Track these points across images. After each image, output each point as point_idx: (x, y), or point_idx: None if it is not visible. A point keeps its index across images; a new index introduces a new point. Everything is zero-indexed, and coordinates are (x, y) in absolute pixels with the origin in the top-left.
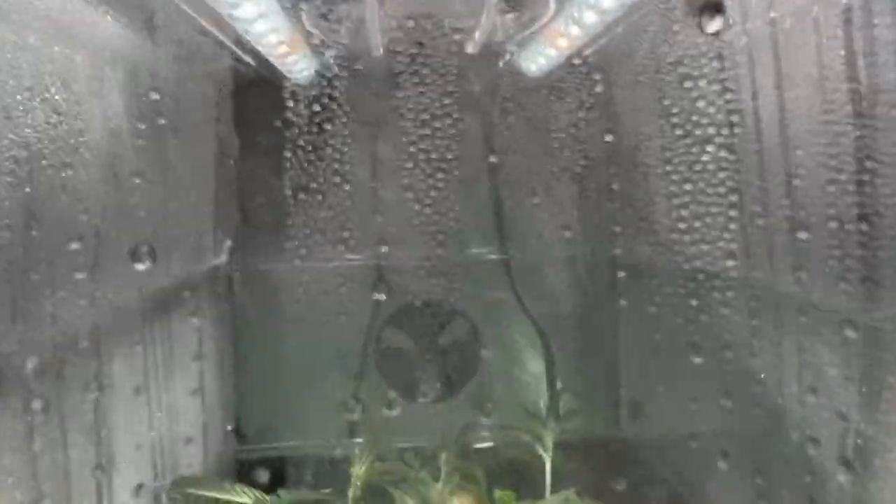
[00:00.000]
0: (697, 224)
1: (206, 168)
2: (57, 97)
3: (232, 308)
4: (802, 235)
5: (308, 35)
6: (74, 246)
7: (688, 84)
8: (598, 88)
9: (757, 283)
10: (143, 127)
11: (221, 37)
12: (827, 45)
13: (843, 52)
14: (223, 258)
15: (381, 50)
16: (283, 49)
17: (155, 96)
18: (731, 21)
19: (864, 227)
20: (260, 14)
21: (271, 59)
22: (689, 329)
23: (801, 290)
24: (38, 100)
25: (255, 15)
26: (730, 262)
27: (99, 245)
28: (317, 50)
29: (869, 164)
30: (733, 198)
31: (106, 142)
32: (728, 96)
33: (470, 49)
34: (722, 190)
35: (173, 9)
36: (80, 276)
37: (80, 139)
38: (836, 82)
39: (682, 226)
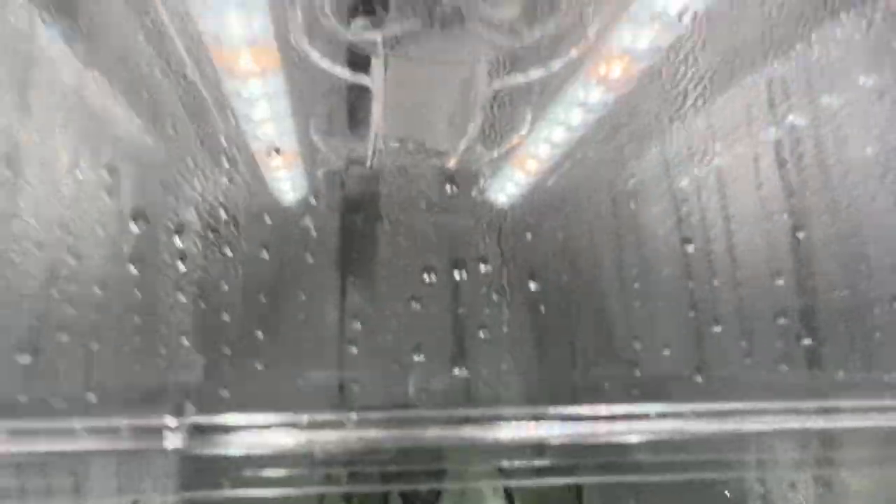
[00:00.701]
0: None
1: None
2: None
3: None
4: None
5: (309, 150)
6: None
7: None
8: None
9: None
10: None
11: None
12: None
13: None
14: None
15: (370, 165)
16: (278, 162)
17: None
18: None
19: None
20: (272, 116)
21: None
22: None
23: None
24: None
25: (268, 116)
26: None
27: None
28: (310, 169)
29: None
30: None
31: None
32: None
33: (451, 163)
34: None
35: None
36: None
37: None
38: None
39: None
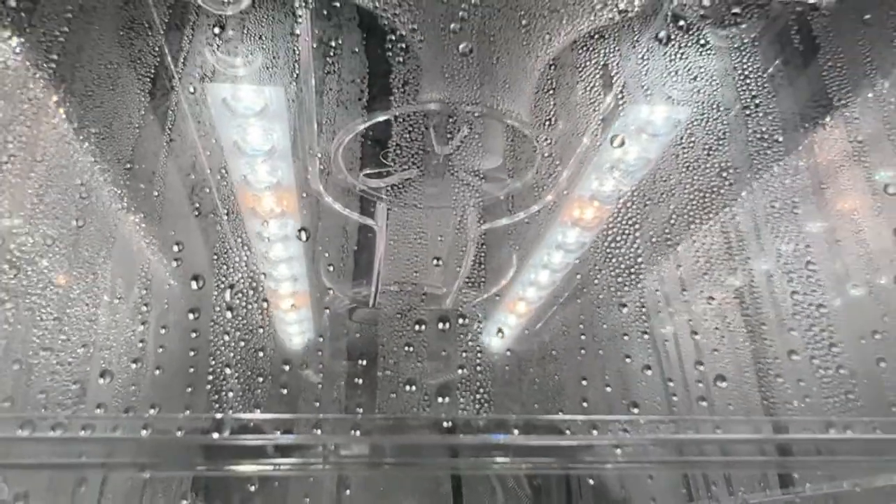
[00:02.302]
0: None
1: None
2: None
3: None
4: None
5: (320, 291)
6: None
7: None
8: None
9: None
10: None
11: None
12: None
13: None
14: None
15: (372, 304)
16: (290, 304)
17: None
18: None
19: None
20: (289, 257)
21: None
22: None
23: None
24: None
25: (285, 257)
26: None
27: None
28: (323, 309)
29: None
30: None
31: None
32: None
33: (448, 303)
34: None
35: None
36: None
37: None
38: None
39: None
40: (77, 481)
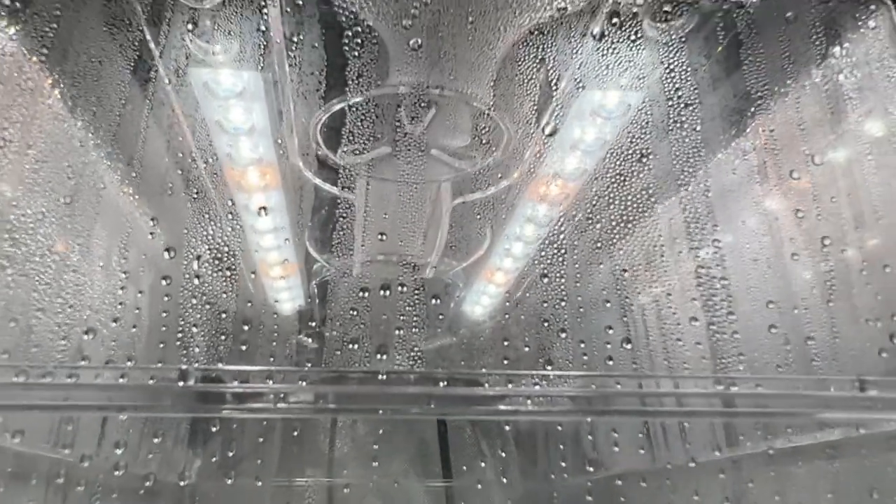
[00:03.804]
0: None
1: None
2: None
3: None
4: None
5: (305, 261)
6: None
7: None
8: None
9: None
10: None
11: None
12: None
13: None
14: None
15: (356, 273)
16: (278, 272)
17: None
18: None
19: None
20: (275, 227)
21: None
22: None
23: None
24: None
25: (271, 227)
26: None
27: None
28: (308, 277)
29: None
30: None
31: None
32: None
33: (428, 273)
34: None
35: None
36: None
37: None
38: None
39: None
40: (62, 420)
